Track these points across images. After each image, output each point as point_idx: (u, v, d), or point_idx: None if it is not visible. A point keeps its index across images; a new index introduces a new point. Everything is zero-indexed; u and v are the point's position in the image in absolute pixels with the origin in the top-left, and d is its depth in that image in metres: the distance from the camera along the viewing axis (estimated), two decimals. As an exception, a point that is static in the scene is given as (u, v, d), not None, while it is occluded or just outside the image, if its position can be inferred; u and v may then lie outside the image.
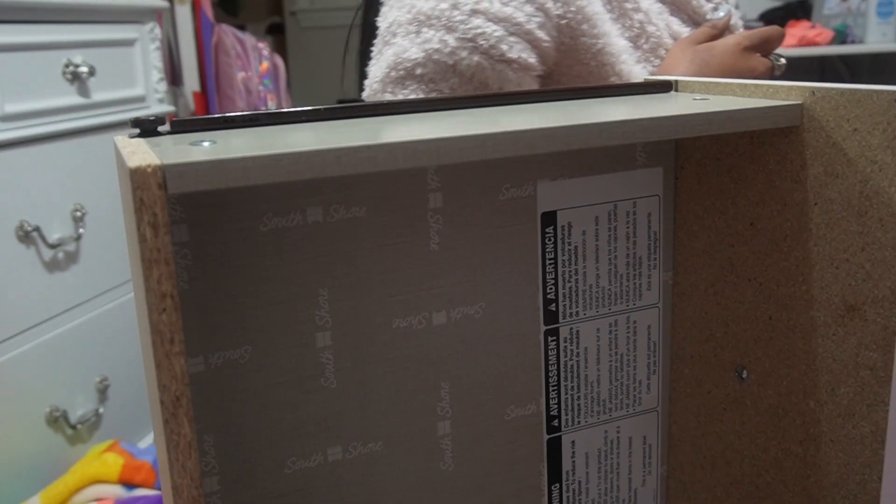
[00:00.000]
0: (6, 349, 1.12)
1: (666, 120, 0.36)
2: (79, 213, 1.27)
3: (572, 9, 0.60)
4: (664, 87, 0.47)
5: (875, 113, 0.36)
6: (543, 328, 0.48)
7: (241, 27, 2.29)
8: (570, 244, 0.47)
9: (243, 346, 0.40)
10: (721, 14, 0.65)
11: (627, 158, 0.47)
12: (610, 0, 0.63)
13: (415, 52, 0.58)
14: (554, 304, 0.47)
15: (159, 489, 1.18)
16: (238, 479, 0.42)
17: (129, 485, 1.18)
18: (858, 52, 2.22)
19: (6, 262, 1.12)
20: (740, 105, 0.39)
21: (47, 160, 1.21)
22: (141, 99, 1.47)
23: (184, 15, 1.86)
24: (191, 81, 1.88)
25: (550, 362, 0.48)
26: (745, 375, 0.46)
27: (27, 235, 1.16)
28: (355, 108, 0.40)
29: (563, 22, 0.60)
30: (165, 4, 1.60)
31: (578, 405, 0.50)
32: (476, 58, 0.58)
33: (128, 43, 1.43)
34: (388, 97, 0.60)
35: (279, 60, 2.13)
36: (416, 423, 0.45)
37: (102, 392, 1.32)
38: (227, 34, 1.92)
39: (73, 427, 1.23)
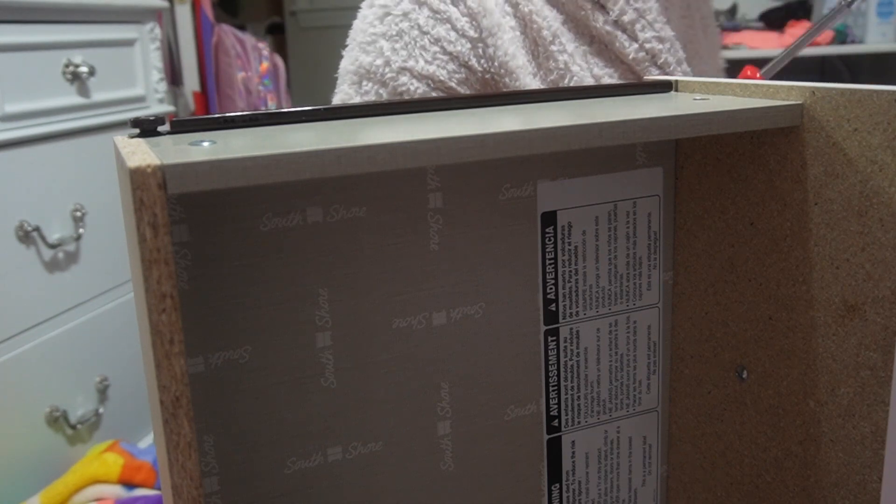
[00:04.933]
0: (6, 349, 1.12)
1: (666, 120, 0.36)
2: (79, 213, 1.27)
3: (496, 64, 0.65)
4: (664, 87, 0.47)
5: (875, 113, 0.36)
6: (543, 328, 0.47)
7: (241, 27, 2.29)
8: (570, 244, 0.47)
9: (243, 346, 0.40)
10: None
11: (627, 158, 0.47)
12: (535, 41, 0.67)
13: (357, 101, 0.68)
14: (554, 304, 0.47)
15: (159, 489, 1.18)
16: (238, 479, 0.42)
17: (129, 485, 1.18)
18: (858, 52, 2.22)
19: (6, 262, 1.12)
20: (740, 105, 0.39)
21: (47, 160, 1.21)
22: (141, 99, 1.47)
23: (184, 15, 1.86)
24: (191, 81, 1.88)
25: (550, 362, 0.48)
26: (745, 375, 0.46)
27: (27, 235, 1.16)
28: (355, 108, 0.40)
29: (488, 76, 0.65)
30: (165, 4, 1.60)
31: (578, 405, 0.50)
32: None
33: (128, 43, 1.43)
34: None
35: (279, 60, 2.13)
36: (416, 423, 0.45)
37: (102, 392, 1.32)
38: (227, 34, 1.92)
39: (73, 427, 1.23)
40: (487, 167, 0.44)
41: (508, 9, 0.66)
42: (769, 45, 2.21)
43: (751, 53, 2.19)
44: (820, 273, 0.41)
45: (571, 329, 0.48)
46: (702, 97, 0.43)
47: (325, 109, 0.40)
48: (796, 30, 2.22)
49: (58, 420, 1.21)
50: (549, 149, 0.34)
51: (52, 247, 1.21)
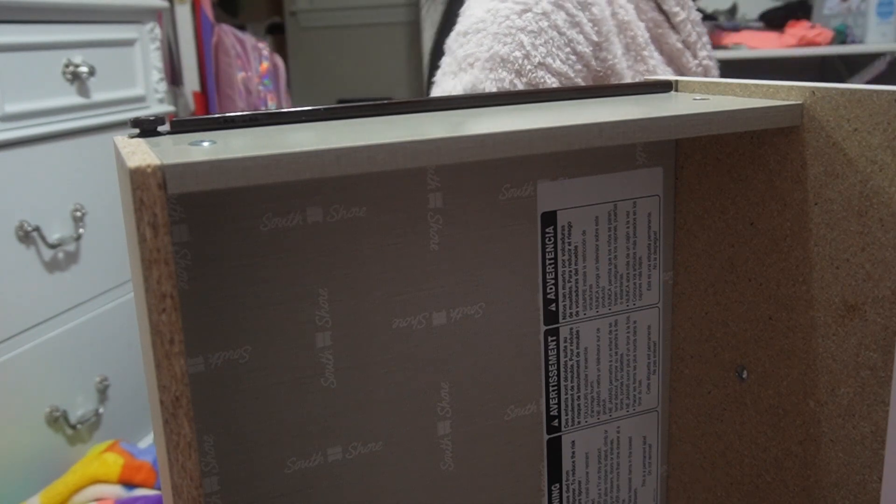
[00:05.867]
0: (6, 349, 1.12)
1: (666, 120, 0.36)
2: (79, 213, 1.27)
3: (607, 65, 0.74)
4: (664, 87, 0.47)
5: (875, 113, 0.36)
6: (543, 328, 0.47)
7: (241, 27, 2.29)
8: (570, 244, 0.47)
9: (243, 346, 0.40)
10: None
11: (627, 158, 0.47)
12: (628, 46, 0.78)
13: (489, 86, 0.72)
14: (554, 304, 0.47)
15: (159, 489, 1.18)
16: (238, 479, 0.42)
17: (129, 485, 1.18)
18: (858, 52, 2.22)
19: (6, 262, 1.12)
20: (740, 105, 0.39)
21: (47, 160, 1.21)
22: (141, 99, 1.47)
23: (184, 15, 1.86)
24: (191, 81, 1.88)
25: (550, 362, 0.48)
26: (745, 375, 0.46)
27: (27, 235, 1.16)
28: (355, 108, 0.40)
29: (600, 74, 0.74)
30: (165, 4, 1.60)
31: (578, 405, 0.50)
32: None
33: (128, 43, 1.43)
34: None
35: (279, 60, 2.12)
36: (416, 423, 0.45)
37: (102, 392, 1.32)
38: (227, 34, 1.92)
39: (73, 427, 1.23)
40: (487, 167, 0.44)
41: (609, 15, 0.77)
42: (769, 45, 2.21)
43: (751, 53, 2.19)
44: (820, 273, 0.41)
45: (571, 329, 0.48)
46: (702, 97, 0.43)
47: (325, 109, 0.40)
48: (796, 30, 2.22)
49: (58, 420, 1.21)
50: (549, 149, 0.34)
51: (52, 247, 1.21)
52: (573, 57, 0.72)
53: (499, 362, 0.47)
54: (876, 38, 2.17)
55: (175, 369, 0.28)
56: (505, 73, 0.71)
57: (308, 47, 3.34)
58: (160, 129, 0.36)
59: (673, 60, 0.82)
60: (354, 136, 0.33)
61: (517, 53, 0.71)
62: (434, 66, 0.83)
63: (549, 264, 0.47)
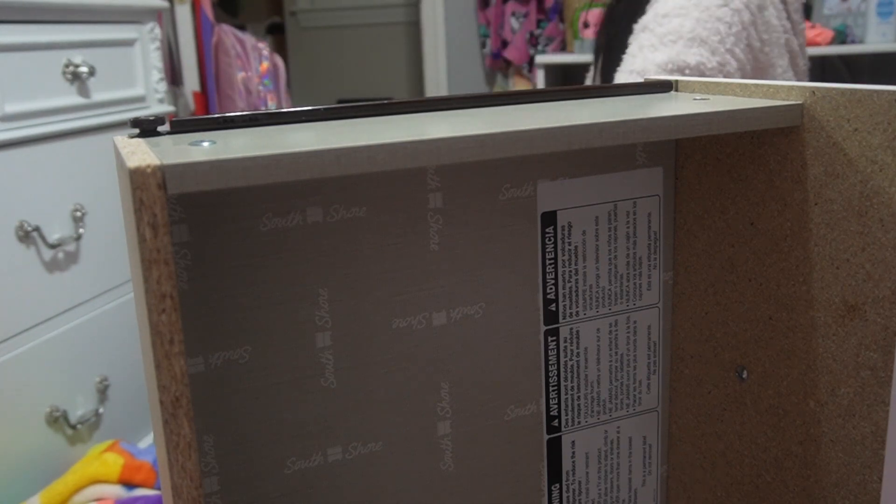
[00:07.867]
0: (6, 349, 1.12)
1: (666, 120, 0.36)
2: (79, 213, 1.27)
3: (770, 60, 0.96)
4: (664, 87, 0.47)
5: (876, 113, 0.36)
6: (543, 328, 0.47)
7: (241, 27, 2.29)
8: (570, 244, 0.47)
9: (243, 346, 0.40)
10: None
11: (627, 158, 0.47)
12: (777, 43, 0.98)
13: (690, 59, 0.89)
14: (554, 304, 0.47)
15: (159, 489, 1.18)
16: (238, 479, 0.42)
17: (129, 485, 1.18)
18: (858, 52, 2.22)
19: (6, 262, 1.12)
20: (740, 105, 0.38)
21: (47, 160, 1.21)
22: (141, 99, 1.47)
23: (184, 15, 1.86)
24: (191, 81, 1.88)
25: (550, 362, 0.48)
26: (745, 375, 0.46)
27: (27, 235, 1.16)
28: (355, 108, 0.40)
29: (760, 66, 0.95)
30: (165, 4, 1.60)
31: (578, 405, 0.50)
32: (721, 76, 0.90)
33: (128, 43, 1.43)
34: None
35: (279, 60, 2.12)
36: (416, 423, 0.45)
37: (102, 392, 1.32)
38: (227, 34, 1.92)
39: (73, 427, 1.23)
40: (487, 167, 0.44)
41: (776, 20, 0.96)
42: (769, 45, 2.20)
43: (751, 53, 2.19)
44: (820, 273, 0.41)
45: (571, 329, 0.48)
46: (702, 97, 0.43)
47: (325, 109, 0.40)
48: (796, 30, 2.22)
49: (58, 420, 1.21)
50: (549, 149, 0.34)
51: (52, 247, 1.21)
52: (746, 48, 0.92)
53: (499, 362, 0.47)
54: (876, 38, 2.17)
55: (175, 369, 0.28)
56: (703, 51, 0.88)
57: (308, 47, 3.34)
58: (160, 129, 0.36)
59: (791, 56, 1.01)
60: (354, 136, 0.33)
61: (714, 38, 0.88)
62: (616, 47, 1.01)
63: (549, 264, 0.47)
